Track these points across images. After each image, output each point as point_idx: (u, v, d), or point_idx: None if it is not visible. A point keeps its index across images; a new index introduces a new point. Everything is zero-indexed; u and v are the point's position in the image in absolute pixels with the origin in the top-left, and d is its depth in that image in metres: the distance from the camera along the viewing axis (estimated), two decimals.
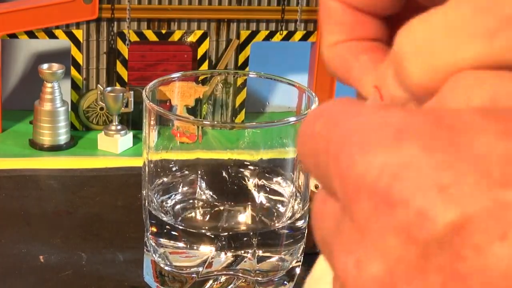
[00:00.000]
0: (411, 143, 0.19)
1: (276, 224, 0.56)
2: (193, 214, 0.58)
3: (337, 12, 0.28)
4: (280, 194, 0.58)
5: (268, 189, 0.58)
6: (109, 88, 0.80)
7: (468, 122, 0.19)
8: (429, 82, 0.23)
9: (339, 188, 0.20)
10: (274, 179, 0.58)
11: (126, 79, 0.83)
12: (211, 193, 0.58)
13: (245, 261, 0.55)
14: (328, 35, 0.29)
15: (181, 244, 0.55)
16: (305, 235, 0.57)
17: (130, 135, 0.81)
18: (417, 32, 0.23)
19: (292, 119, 0.53)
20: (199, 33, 0.83)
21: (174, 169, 0.58)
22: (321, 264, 0.25)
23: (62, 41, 0.83)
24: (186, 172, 0.58)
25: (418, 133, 0.19)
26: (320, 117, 0.22)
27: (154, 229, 0.56)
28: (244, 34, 0.84)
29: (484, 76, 0.21)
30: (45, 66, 0.79)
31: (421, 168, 0.18)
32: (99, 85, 0.81)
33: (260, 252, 0.55)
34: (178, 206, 0.58)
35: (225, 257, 0.55)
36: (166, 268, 0.56)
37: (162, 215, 0.56)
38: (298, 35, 0.84)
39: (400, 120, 0.19)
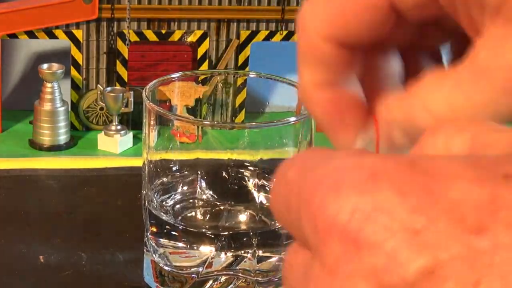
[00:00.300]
0: (384, 187, 0.18)
1: (276, 224, 0.56)
2: (193, 213, 0.58)
3: (325, 52, 0.28)
4: None
5: (268, 189, 0.58)
6: (109, 88, 0.80)
7: (443, 167, 0.19)
8: None
9: (310, 231, 0.20)
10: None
11: (126, 79, 0.83)
12: (211, 192, 0.58)
13: (245, 261, 0.55)
14: (312, 73, 0.29)
15: (181, 244, 0.55)
16: None
17: (130, 135, 0.81)
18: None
19: (292, 119, 0.53)
20: (199, 33, 0.83)
21: (174, 169, 0.58)
22: None
23: (62, 41, 0.83)
24: (186, 172, 0.58)
25: (392, 177, 0.19)
26: (293, 166, 0.22)
27: (154, 229, 0.56)
28: (244, 34, 0.84)
29: (464, 125, 0.21)
30: (45, 66, 0.79)
31: (394, 212, 0.18)
32: (99, 85, 0.81)
33: (260, 252, 0.55)
34: (178, 206, 0.58)
35: (225, 257, 0.55)
36: (166, 268, 0.56)
37: (162, 214, 0.56)
38: None
39: (374, 164, 0.19)
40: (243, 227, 0.57)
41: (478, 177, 0.18)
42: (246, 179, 0.58)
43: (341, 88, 0.29)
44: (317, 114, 0.30)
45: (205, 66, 0.84)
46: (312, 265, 0.20)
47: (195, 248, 0.55)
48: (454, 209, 0.18)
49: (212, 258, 0.55)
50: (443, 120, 0.24)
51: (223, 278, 0.55)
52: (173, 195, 0.58)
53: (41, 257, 0.62)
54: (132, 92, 0.81)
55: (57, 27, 0.81)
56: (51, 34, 0.81)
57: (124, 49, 0.82)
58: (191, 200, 0.58)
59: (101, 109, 0.83)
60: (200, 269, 0.55)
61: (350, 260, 0.18)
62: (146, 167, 0.56)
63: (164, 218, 0.56)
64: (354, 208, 0.18)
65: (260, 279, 0.56)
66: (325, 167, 0.20)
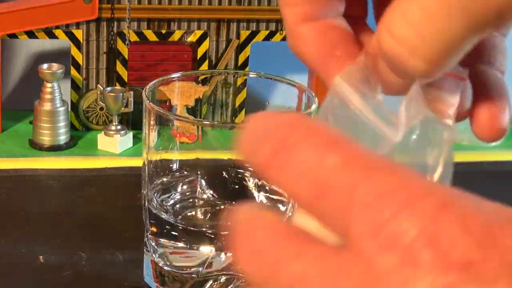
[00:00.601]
0: (452, 218, 0.20)
1: None
2: (193, 213, 0.58)
3: None
4: (280, 194, 0.57)
5: (268, 188, 0.58)
6: (109, 88, 0.80)
7: (505, 212, 0.21)
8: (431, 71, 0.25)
9: (363, 233, 0.21)
10: None
11: (126, 79, 0.83)
12: (211, 192, 0.58)
13: None
14: (295, 8, 0.28)
15: (181, 244, 0.55)
16: None
17: (130, 135, 0.81)
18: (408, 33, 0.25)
19: None
20: (199, 33, 0.83)
21: (174, 169, 0.58)
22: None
23: (62, 41, 0.83)
24: (186, 172, 0.58)
25: (460, 212, 0.20)
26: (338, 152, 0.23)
27: (154, 229, 0.56)
28: (244, 34, 0.84)
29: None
30: (45, 66, 0.79)
31: (455, 243, 0.20)
32: (99, 85, 0.81)
33: None
34: (178, 205, 0.58)
35: (225, 257, 0.55)
36: (166, 268, 0.56)
37: (163, 213, 0.56)
38: None
39: (445, 195, 0.21)
40: None
41: None
42: (246, 179, 0.58)
43: (328, 20, 0.28)
44: (305, 49, 0.29)
45: (205, 66, 0.84)
46: (345, 262, 0.21)
47: (195, 248, 0.55)
48: (508, 253, 0.19)
49: (212, 258, 0.55)
50: (404, 40, 0.25)
51: (223, 278, 0.55)
52: (173, 195, 0.58)
53: (41, 257, 0.61)
54: (132, 92, 0.81)
55: (57, 27, 0.81)
56: (51, 34, 0.81)
57: (124, 49, 0.82)
58: (191, 200, 0.58)
59: (101, 109, 0.83)
60: (200, 269, 0.55)
61: (406, 276, 0.20)
62: (146, 167, 0.56)
63: (164, 217, 0.56)
64: (422, 231, 0.20)
65: None
66: (392, 179, 0.21)
